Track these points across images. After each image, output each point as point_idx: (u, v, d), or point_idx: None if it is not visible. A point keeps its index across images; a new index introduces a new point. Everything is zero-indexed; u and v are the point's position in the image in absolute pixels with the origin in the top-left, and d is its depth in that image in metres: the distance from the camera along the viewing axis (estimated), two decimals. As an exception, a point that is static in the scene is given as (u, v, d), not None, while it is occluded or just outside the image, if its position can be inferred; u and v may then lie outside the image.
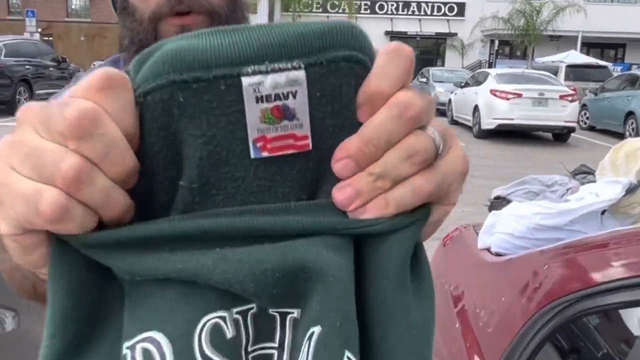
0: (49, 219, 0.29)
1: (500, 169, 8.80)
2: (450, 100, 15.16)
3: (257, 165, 0.33)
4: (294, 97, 0.32)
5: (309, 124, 0.32)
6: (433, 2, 37.68)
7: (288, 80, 0.31)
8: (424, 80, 19.33)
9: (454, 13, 37.31)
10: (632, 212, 1.47)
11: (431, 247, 4.68)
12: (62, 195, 0.28)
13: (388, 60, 0.34)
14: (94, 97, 0.30)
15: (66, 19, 39.88)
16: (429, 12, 37.54)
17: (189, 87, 0.30)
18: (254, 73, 0.31)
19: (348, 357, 0.33)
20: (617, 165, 1.45)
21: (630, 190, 1.40)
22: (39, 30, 25.30)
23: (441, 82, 18.14)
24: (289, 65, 0.31)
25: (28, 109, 0.31)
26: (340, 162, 0.34)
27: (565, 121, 11.63)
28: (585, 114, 14.66)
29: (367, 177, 0.34)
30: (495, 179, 7.93)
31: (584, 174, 1.67)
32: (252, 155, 0.33)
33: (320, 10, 29.75)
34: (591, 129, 14.40)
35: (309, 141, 0.33)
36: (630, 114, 12.35)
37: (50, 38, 36.20)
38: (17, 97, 12.70)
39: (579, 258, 1.03)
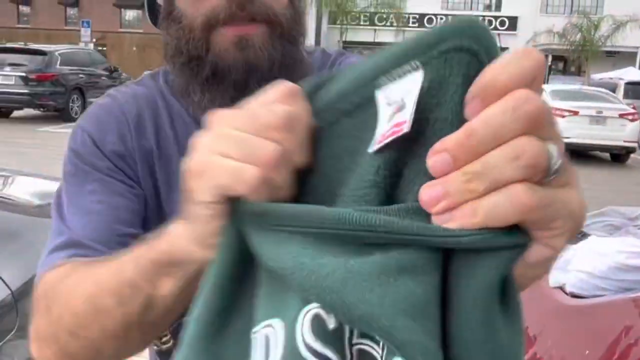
0: (249, 187, 0.37)
1: (553, 189, 8.42)
2: (500, 116, 14.76)
3: (369, 160, 0.35)
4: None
5: (412, 113, 0.32)
6: (484, 16, 37.11)
7: (408, 82, 0.33)
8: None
9: (505, 27, 36.62)
10: None
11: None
12: (261, 172, 0.36)
13: (513, 57, 0.30)
14: (288, 103, 0.38)
15: (119, 30, 41.42)
16: (479, 27, 36.97)
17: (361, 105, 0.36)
18: (384, 83, 0.34)
19: None
20: None
21: None
22: (94, 40, 26.33)
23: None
24: (409, 68, 0.33)
25: (223, 114, 0.40)
26: (435, 155, 0.30)
27: (625, 141, 11.11)
28: (646, 133, 14.00)
29: (460, 177, 0.29)
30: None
31: (674, 206, 1.49)
32: (369, 150, 0.34)
33: (368, 23, 29.75)
34: (653, 149, 13.73)
35: (408, 124, 0.32)
36: (696, 134, 11.68)
37: (104, 48, 37.66)
38: (71, 104, 13.15)
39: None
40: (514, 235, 0.30)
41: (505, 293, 0.32)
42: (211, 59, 0.63)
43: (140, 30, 41.66)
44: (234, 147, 0.37)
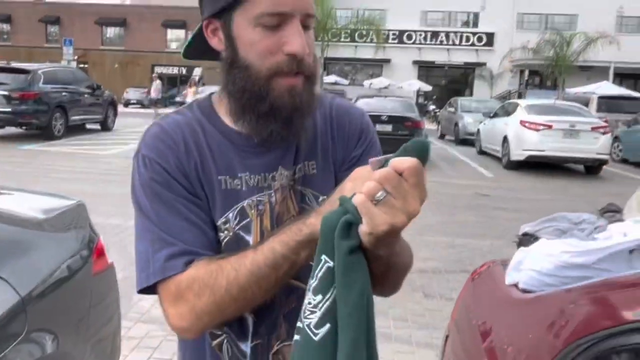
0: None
1: (530, 202, 8.69)
2: (478, 131, 15.10)
3: None
4: None
5: None
6: (461, 32, 37.87)
7: None
8: (452, 110, 19.33)
9: (483, 43, 37.39)
10: (662, 252, 1.46)
11: (460, 281, 4.62)
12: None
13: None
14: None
15: (101, 47, 41.33)
16: (457, 42, 37.71)
17: None
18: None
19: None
20: (645, 205, 1.46)
21: (659, 230, 1.40)
22: (75, 57, 26.28)
23: (469, 111, 18.10)
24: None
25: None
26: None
27: (597, 153, 11.44)
28: (618, 146, 14.41)
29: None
30: (525, 212, 7.81)
31: (612, 212, 1.67)
32: None
33: (349, 39, 30.14)
34: (624, 161, 14.12)
35: None
36: (664, 146, 12.10)
37: (86, 65, 37.50)
38: (53, 122, 13.15)
39: (605, 297, 1.04)
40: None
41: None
42: (270, 100, 0.85)
43: (122, 48, 41.67)
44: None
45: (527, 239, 1.67)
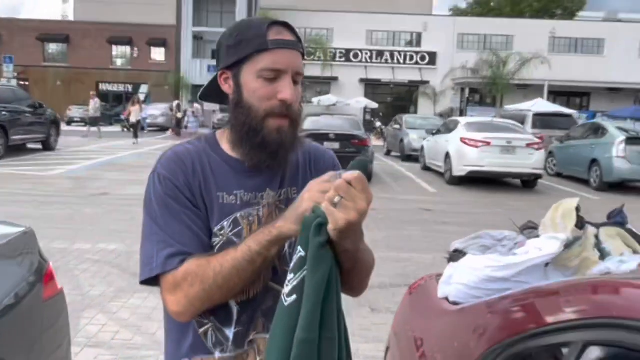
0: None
1: (471, 215, 9.06)
2: (422, 147, 15.59)
3: None
4: None
5: None
6: (405, 52, 39.04)
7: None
8: (398, 127, 19.85)
9: (426, 62, 38.65)
10: (570, 264, 1.65)
11: (398, 295, 4.77)
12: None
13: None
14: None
15: (43, 64, 39.98)
16: (401, 61, 38.82)
17: None
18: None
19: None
20: (556, 223, 1.64)
21: (567, 245, 1.58)
22: (15, 74, 25.29)
23: (414, 128, 18.63)
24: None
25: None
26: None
27: (533, 168, 12.04)
28: (552, 161, 15.19)
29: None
30: (466, 226, 8.15)
31: (531, 229, 1.86)
32: None
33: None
34: (558, 175, 14.90)
35: None
36: (594, 161, 12.86)
37: (27, 82, 36.15)
38: (-7, 142, 12.66)
39: (519, 306, 1.19)
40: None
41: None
42: (263, 134, 1.12)
43: (65, 64, 40.48)
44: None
45: (456, 255, 1.83)
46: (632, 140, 12.27)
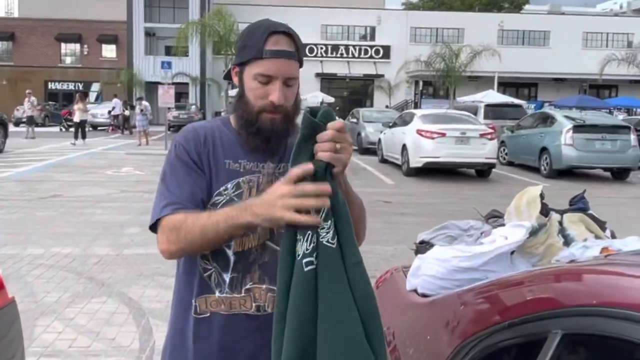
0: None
1: (429, 205, 9.20)
2: (380, 140, 15.71)
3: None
4: None
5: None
6: (360, 45, 39.25)
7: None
8: (355, 120, 19.94)
9: (380, 56, 38.99)
10: (536, 251, 1.67)
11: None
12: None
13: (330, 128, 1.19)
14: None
15: (-13, 63, 38.20)
16: (356, 55, 39.01)
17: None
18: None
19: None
20: (521, 211, 1.66)
21: (532, 232, 1.60)
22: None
23: (371, 122, 18.76)
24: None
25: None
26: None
27: (486, 158, 12.33)
28: (504, 150, 15.60)
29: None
30: (424, 216, 8.28)
31: (495, 217, 1.88)
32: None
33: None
34: (510, 164, 15.31)
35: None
36: (544, 149, 13.28)
37: (-30, 82, 34.47)
38: None
39: (491, 297, 1.19)
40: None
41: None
42: (257, 125, 1.34)
43: (11, 63, 38.74)
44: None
45: (423, 247, 1.82)
46: (579, 128, 12.73)
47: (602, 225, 1.69)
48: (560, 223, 1.66)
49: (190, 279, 1.39)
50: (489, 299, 1.18)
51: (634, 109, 33.06)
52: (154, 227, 1.32)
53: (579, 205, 1.73)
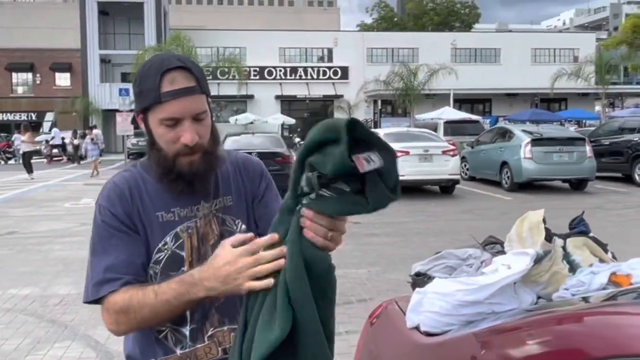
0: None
1: (398, 225, 9.18)
2: (343, 160, 15.69)
3: None
4: None
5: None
6: (318, 67, 39.59)
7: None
8: (317, 141, 19.89)
9: (339, 76, 39.39)
10: (540, 280, 1.60)
11: (345, 314, 4.65)
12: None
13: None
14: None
15: None
16: (315, 77, 39.29)
17: None
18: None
19: None
20: (523, 237, 1.59)
21: (537, 260, 1.54)
22: None
23: (333, 142, 18.76)
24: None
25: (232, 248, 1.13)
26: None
27: (450, 174, 12.48)
28: (465, 165, 15.85)
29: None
30: (396, 236, 8.24)
31: (493, 244, 1.81)
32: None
33: (210, 77, 29.98)
34: (472, 179, 15.56)
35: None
36: (504, 164, 13.55)
37: None
38: None
39: (512, 341, 1.10)
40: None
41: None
42: (176, 171, 1.25)
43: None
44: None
45: (421, 280, 1.73)
46: (536, 141, 13.05)
47: (604, 247, 1.65)
48: (564, 248, 1.60)
49: (144, 344, 1.32)
50: (511, 342, 1.09)
51: (584, 121, 34.40)
52: (92, 301, 1.22)
53: (580, 228, 1.68)
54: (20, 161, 24.08)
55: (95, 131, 20.04)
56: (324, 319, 1.00)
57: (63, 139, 27.78)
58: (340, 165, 0.89)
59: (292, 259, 0.98)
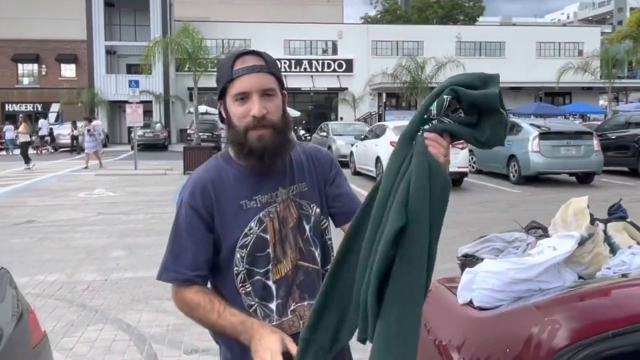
0: None
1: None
2: (352, 153, 15.85)
3: None
4: None
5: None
6: (323, 60, 39.59)
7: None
8: (324, 134, 20.08)
9: (343, 69, 39.39)
10: (583, 260, 1.74)
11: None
12: None
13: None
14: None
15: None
16: (319, 69, 39.32)
17: None
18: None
19: None
20: (567, 222, 1.73)
21: (582, 242, 1.68)
22: None
23: (340, 135, 18.94)
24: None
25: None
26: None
27: (459, 167, 12.57)
28: (472, 158, 15.96)
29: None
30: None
31: (535, 228, 1.95)
32: None
33: (215, 69, 30.02)
34: (479, 172, 15.67)
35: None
36: (512, 157, 13.66)
37: None
38: None
39: (573, 310, 1.24)
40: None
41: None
42: (247, 146, 1.38)
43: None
44: None
45: (469, 260, 1.87)
46: (544, 135, 13.16)
47: (641, 232, 1.78)
48: (604, 232, 1.74)
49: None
50: (579, 309, 1.23)
51: (588, 115, 34.44)
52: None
53: (619, 213, 1.82)
54: (11, 152, 24.38)
55: (93, 122, 18.90)
56: (431, 239, 1.07)
57: (51, 129, 28.42)
58: (490, 95, 1.04)
59: (419, 168, 1.06)
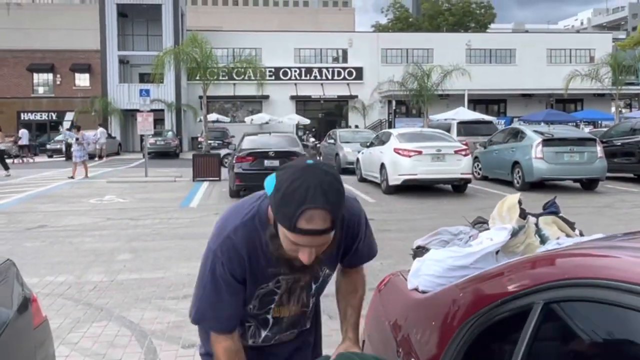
0: None
1: (410, 221, 9.51)
2: (358, 160, 16.07)
3: None
4: None
5: None
6: (333, 68, 39.97)
7: None
8: (332, 141, 20.32)
9: (353, 77, 39.73)
10: (517, 250, 1.95)
11: (369, 295, 4.99)
12: None
13: None
14: None
15: (-44, 93, 37.63)
16: (330, 77, 39.69)
17: None
18: None
19: None
20: (503, 216, 1.94)
21: (514, 233, 1.88)
22: None
23: (348, 142, 19.17)
24: None
25: None
26: None
27: (462, 173, 12.75)
28: (477, 165, 16.09)
29: None
30: (408, 232, 8.57)
31: (481, 223, 2.16)
32: None
33: (227, 78, 30.50)
34: (484, 178, 15.79)
35: None
36: (516, 163, 13.79)
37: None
38: None
39: (481, 286, 1.45)
40: None
41: None
42: (290, 261, 1.47)
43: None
44: None
45: (420, 251, 2.09)
46: (548, 141, 13.27)
47: (571, 225, 1.99)
48: (536, 225, 1.94)
49: None
50: (483, 285, 1.45)
51: (599, 122, 34.34)
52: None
53: (551, 209, 2.03)
54: None
55: (83, 132, 18.67)
56: None
57: (30, 139, 28.41)
58: None
59: None
